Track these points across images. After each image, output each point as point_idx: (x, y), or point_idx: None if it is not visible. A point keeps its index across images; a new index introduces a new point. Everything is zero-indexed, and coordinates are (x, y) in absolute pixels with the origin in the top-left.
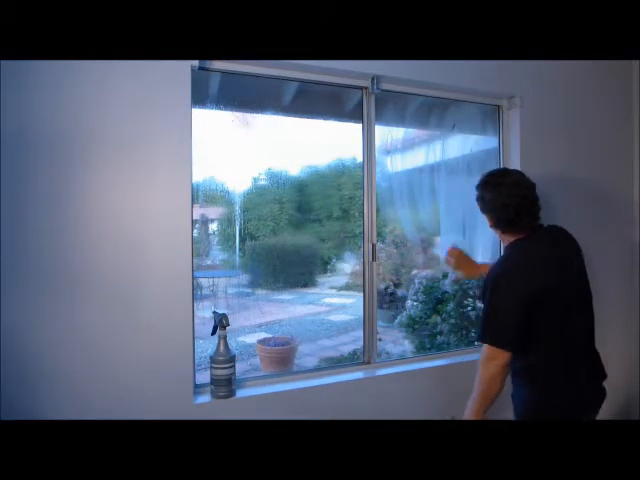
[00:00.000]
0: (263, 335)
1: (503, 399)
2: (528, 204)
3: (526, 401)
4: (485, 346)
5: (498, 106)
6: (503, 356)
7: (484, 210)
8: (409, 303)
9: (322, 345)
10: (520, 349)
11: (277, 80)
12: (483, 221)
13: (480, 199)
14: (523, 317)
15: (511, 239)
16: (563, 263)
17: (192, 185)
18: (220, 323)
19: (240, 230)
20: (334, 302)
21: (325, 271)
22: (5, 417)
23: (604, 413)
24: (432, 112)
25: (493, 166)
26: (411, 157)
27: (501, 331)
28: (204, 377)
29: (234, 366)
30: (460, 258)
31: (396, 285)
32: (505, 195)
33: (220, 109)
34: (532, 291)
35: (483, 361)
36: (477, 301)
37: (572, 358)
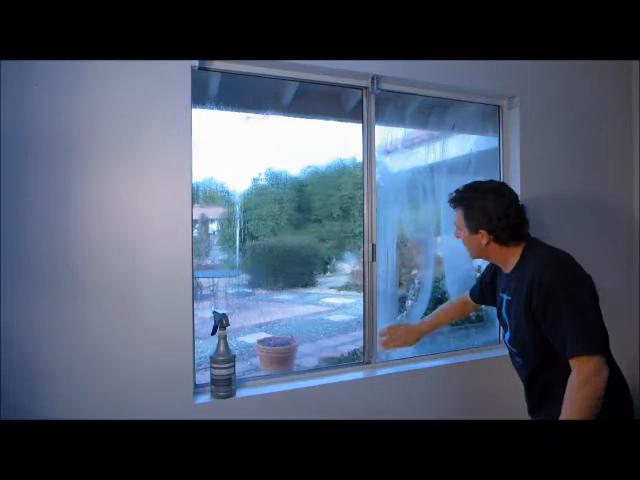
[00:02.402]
0: (263, 335)
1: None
2: (523, 208)
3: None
4: (584, 360)
5: (498, 106)
6: (605, 366)
7: (480, 223)
8: (409, 303)
9: (322, 345)
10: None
11: (277, 80)
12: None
13: (473, 211)
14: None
15: (514, 253)
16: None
17: (192, 185)
18: (220, 323)
19: (240, 230)
20: (334, 302)
21: (325, 271)
22: (5, 417)
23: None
24: (432, 112)
25: (493, 166)
26: (411, 157)
27: (600, 336)
28: (204, 377)
29: (234, 366)
30: (397, 332)
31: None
32: (506, 201)
33: (220, 109)
34: (596, 292)
35: (585, 379)
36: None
37: (614, 363)
